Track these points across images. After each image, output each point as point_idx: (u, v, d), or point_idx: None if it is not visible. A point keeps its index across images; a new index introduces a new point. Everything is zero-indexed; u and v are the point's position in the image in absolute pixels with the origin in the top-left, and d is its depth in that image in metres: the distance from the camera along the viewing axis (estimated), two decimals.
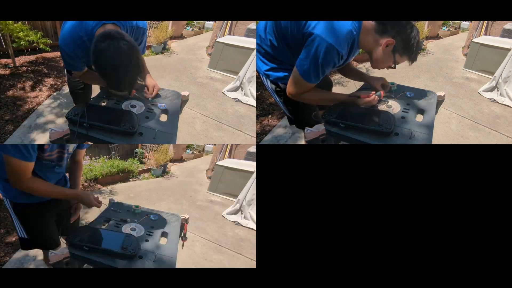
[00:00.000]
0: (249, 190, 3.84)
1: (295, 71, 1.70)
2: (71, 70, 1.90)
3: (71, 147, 1.81)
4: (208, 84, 3.84)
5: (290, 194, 1.95)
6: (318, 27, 1.58)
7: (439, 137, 3.10)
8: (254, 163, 4.32)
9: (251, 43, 3.91)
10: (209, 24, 5.39)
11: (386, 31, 1.60)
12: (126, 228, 1.87)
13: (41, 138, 3.02)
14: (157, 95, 1.93)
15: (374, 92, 1.83)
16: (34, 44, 3.62)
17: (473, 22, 4.25)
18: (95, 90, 2.15)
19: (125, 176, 5.13)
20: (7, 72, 3.77)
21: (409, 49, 1.61)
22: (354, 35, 1.59)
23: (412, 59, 1.66)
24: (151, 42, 4.47)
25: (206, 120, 3.33)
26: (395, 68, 1.70)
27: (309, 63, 1.62)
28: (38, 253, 2.59)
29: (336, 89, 3.68)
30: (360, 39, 1.63)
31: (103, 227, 1.88)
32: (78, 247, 1.65)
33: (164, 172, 5.61)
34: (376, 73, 2.11)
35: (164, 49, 4.54)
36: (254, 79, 3.60)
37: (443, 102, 1.98)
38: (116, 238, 1.73)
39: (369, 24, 1.61)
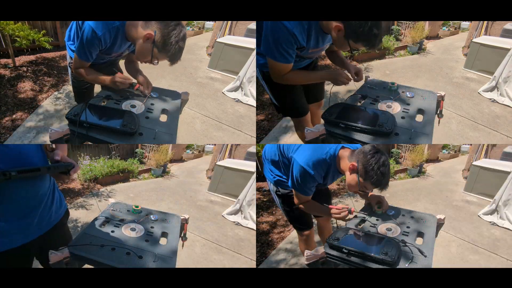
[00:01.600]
0: (249, 190, 3.84)
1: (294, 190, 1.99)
2: (83, 59, 1.88)
3: None
4: (208, 84, 3.84)
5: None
6: (297, 152, 1.87)
7: (439, 137, 3.10)
8: (254, 163, 4.31)
9: (251, 43, 3.91)
10: (209, 24, 5.38)
11: (352, 156, 1.77)
12: (126, 228, 1.87)
13: (41, 138, 3.02)
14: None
15: (346, 206, 1.91)
16: (37, 43, 3.62)
17: (473, 22, 4.25)
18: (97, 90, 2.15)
19: (125, 176, 5.13)
20: (7, 72, 3.77)
21: (369, 175, 1.71)
22: (329, 162, 1.83)
23: (378, 186, 1.75)
24: None
25: (206, 120, 3.33)
26: (366, 193, 1.97)
27: (294, 183, 1.91)
28: None
29: (336, 89, 3.67)
30: (337, 165, 1.84)
31: (103, 227, 1.88)
32: None
33: (164, 172, 5.61)
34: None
35: None
36: (254, 79, 3.60)
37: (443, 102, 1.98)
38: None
39: (345, 152, 1.82)
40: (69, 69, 2.13)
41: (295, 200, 2.02)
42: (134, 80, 1.98)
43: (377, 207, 2.02)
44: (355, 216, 1.98)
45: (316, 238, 2.58)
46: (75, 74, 1.99)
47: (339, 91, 3.48)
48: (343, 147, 1.83)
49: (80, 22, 1.89)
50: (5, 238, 1.45)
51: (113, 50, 1.89)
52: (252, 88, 3.59)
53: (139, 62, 2.01)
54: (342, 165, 1.82)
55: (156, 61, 1.80)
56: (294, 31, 1.71)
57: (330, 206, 1.93)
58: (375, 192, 1.90)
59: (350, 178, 1.77)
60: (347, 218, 1.89)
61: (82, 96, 2.21)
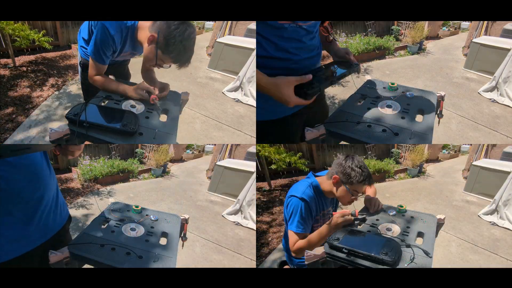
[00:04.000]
0: (249, 190, 3.84)
1: None
2: (99, 62, 1.83)
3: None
4: (208, 84, 3.84)
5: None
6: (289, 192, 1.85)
7: (439, 137, 3.10)
8: (254, 163, 4.31)
9: (251, 43, 3.91)
10: (209, 24, 5.38)
11: (332, 173, 1.79)
12: (126, 228, 1.87)
13: (41, 138, 3.02)
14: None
15: (348, 210, 1.85)
16: (37, 43, 3.63)
17: (473, 22, 4.26)
18: None
19: (125, 176, 5.13)
20: (7, 72, 3.77)
21: (350, 179, 1.73)
22: (128, 27, 1.77)
23: (368, 182, 1.76)
24: None
25: (206, 120, 3.33)
26: (356, 199, 1.88)
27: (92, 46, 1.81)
28: None
29: (336, 89, 3.68)
30: (135, 35, 1.79)
31: (103, 227, 1.88)
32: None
33: (164, 172, 5.61)
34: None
35: None
36: (254, 79, 3.60)
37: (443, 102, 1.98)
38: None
39: (145, 22, 1.76)
40: (79, 68, 2.12)
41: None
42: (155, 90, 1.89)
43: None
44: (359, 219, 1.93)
45: None
46: (92, 83, 1.91)
47: (336, 94, 3.45)
48: None
49: (92, 25, 1.86)
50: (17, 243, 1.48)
51: (122, 52, 1.86)
52: (252, 88, 3.59)
53: (155, 70, 1.94)
54: (140, 35, 1.77)
55: (166, 65, 1.75)
56: (114, 36, 1.76)
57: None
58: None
59: (338, 189, 1.79)
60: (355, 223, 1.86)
61: (92, 94, 2.17)
